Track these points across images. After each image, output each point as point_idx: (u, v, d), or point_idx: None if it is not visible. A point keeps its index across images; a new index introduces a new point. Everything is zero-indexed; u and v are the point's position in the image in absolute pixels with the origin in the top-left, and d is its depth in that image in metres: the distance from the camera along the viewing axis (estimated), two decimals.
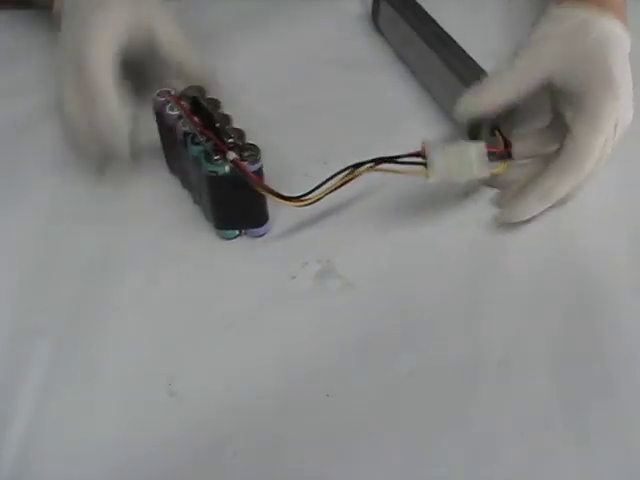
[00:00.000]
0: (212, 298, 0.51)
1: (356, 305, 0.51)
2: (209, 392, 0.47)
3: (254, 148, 0.50)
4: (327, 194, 0.51)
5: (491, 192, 0.56)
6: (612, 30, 0.53)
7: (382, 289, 0.52)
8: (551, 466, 0.44)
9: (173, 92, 0.54)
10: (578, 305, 0.50)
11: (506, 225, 0.54)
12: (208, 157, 0.50)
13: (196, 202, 0.56)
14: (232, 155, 0.49)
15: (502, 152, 0.52)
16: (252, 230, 0.54)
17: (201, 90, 0.54)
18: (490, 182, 0.55)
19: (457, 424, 0.45)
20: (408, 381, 0.47)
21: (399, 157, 0.50)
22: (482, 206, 0.56)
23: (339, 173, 0.51)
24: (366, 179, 0.52)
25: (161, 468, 0.44)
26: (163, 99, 0.53)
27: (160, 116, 0.54)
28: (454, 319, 0.50)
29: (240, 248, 0.54)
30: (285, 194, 0.50)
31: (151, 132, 0.57)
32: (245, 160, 0.50)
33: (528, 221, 0.54)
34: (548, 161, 0.53)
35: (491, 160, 0.51)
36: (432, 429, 0.45)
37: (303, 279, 0.52)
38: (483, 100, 0.52)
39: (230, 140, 0.51)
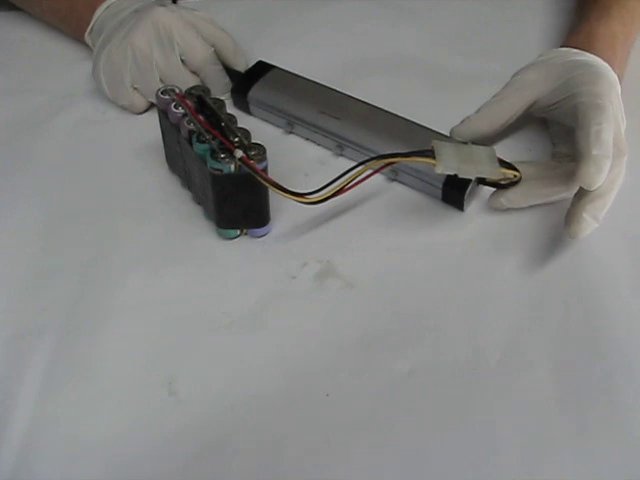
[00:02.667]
0: (212, 298, 0.51)
1: (356, 305, 0.51)
2: (209, 392, 0.47)
3: (260, 147, 0.51)
4: (338, 191, 0.51)
5: (488, 194, 0.55)
6: (593, 59, 0.55)
7: (382, 289, 0.52)
8: (551, 466, 0.44)
9: (178, 90, 0.54)
10: (578, 305, 0.50)
11: (505, 225, 0.54)
12: (214, 155, 0.50)
13: (197, 202, 0.56)
14: (239, 153, 0.49)
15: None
16: (253, 231, 0.54)
17: (205, 90, 0.55)
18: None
19: (457, 424, 0.45)
20: (408, 381, 0.47)
21: (410, 154, 0.50)
22: (482, 206, 0.56)
23: (349, 171, 0.51)
24: (367, 180, 0.52)
25: (161, 468, 0.44)
26: (168, 97, 0.53)
27: (164, 114, 0.54)
28: (454, 319, 0.50)
29: (240, 248, 0.54)
30: (295, 190, 0.50)
31: (151, 131, 0.57)
32: (252, 159, 0.50)
33: (527, 221, 0.54)
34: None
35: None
36: (432, 429, 0.45)
37: (303, 279, 0.52)
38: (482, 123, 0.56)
39: (236, 139, 0.51)
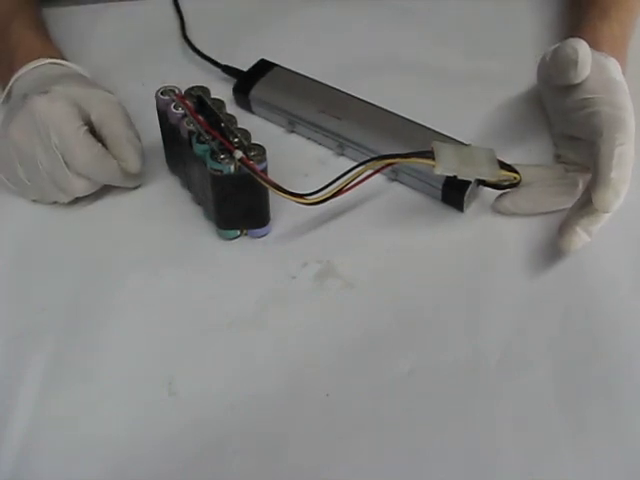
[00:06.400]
0: (212, 298, 0.51)
1: (356, 305, 0.51)
2: (209, 392, 0.47)
3: (260, 148, 0.51)
4: (338, 192, 0.51)
5: (489, 194, 0.55)
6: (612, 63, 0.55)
7: (382, 289, 0.52)
8: (551, 466, 0.44)
9: (177, 91, 0.54)
10: (578, 305, 0.50)
11: (505, 225, 0.54)
12: (214, 156, 0.50)
13: (197, 202, 0.56)
14: (239, 154, 0.49)
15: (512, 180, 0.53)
16: (253, 231, 0.54)
17: (205, 90, 0.55)
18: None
19: (457, 424, 0.45)
20: (408, 381, 0.47)
21: (410, 155, 0.50)
22: (481, 207, 0.56)
23: (349, 171, 0.51)
24: (367, 180, 0.52)
25: (161, 468, 0.44)
26: (167, 98, 0.53)
27: (164, 115, 0.54)
28: (454, 319, 0.50)
29: (240, 248, 0.54)
30: (294, 191, 0.50)
31: (151, 131, 0.57)
32: (251, 159, 0.50)
33: (527, 221, 0.54)
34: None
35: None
36: (432, 429, 0.45)
37: (303, 279, 0.52)
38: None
39: (236, 140, 0.51)
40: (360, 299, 0.51)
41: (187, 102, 0.53)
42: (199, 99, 0.53)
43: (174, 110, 0.53)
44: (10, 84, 0.58)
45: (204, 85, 0.55)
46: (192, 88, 0.54)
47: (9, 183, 0.56)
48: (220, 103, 0.54)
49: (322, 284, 0.52)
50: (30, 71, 0.58)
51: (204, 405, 0.47)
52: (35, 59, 0.58)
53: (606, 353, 0.48)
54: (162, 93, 0.54)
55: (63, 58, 0.61)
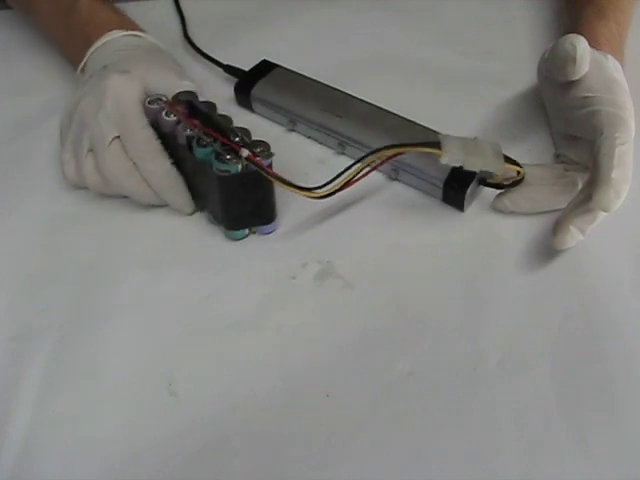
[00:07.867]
0: (212, 298, 0.51)
1: (356, 305, 0.51)
2: (209, 392, 0.47)
3: (264, 144, 0.50)
4: (346, 184, 0.51)
5: (489, 194, 0.55)
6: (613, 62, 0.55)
7: (382, 289, 0.52)
8: (551, 466, 0.44)
9: (165, 98, 0.53)
10: (578, 305, 0.50)
11: (505, 225, 0.54)
12: (219, 157, 0.50)
13: (200, 209, 0.56)
14: (245, 152, 0.49)
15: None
16: (261, 228, 0.54)
17: (193, 94, 0.54)
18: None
19: (457, 424, 0.45)
20: (408, 381, 0.47)
21: (417, 144, 0.51)
22: (482, 207, 0.56)
23: (356, 163, 0.51)
24: (368, 180, 0.52)
25: (161, 468, 0.44)
26: (156, 106, 0.53)
27: (155, 124, 0.53)
28: (454, 319, 0.50)
29: (240, 248, 0.54)
30: (306, 185, 0.50)
31: None
32: (258, 156, 0.50)
33: (527, 221, 0.54)
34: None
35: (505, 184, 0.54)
36: (432, 429, 0.45)
37: (303, 279, 0.52)
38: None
39: (237, 139, 0.50)
40: (360, 299, 0.51)
41: (178, 108, 0.52)
42: (189, 104, 0.53)
43: (166, 118, 0.52)
44: (87, 56, 0.57)
45: (203, 85, 0.55)
46: (179, 94, 0.54)
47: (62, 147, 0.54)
48: (212, 106, 0.53)
49: (322, 284, 0.52)
50: (108, 42, 0.56)
51: (204, 405, 0.47)
52: (113, 29, 0.57)
53: (606, 353, 0.48)
54: (149, 102, 0.53)
55: (140, 30, 0.59)
